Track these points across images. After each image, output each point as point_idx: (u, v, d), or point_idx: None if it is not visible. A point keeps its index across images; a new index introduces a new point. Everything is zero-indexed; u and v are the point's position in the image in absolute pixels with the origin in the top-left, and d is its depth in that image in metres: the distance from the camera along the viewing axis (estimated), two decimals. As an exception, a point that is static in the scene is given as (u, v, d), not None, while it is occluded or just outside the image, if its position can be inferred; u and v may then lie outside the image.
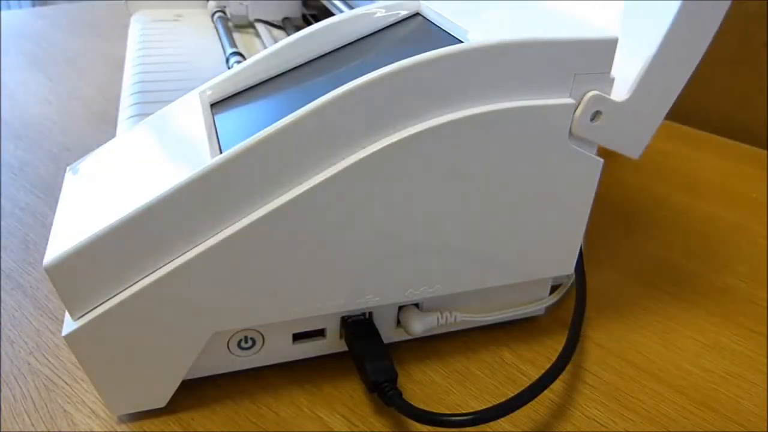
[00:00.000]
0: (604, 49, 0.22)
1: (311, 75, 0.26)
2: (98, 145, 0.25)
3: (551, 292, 0.29)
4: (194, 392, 0.25)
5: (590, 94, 0.23)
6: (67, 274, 0.20)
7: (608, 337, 0.29)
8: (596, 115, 0.23)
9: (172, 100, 0.27)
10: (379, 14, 0.28)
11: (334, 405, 0.25)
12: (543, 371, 0.25)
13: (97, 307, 0.21)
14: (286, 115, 0.20)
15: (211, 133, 0.23)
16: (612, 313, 0.31)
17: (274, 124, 0.20)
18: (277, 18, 0.47)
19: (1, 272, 0.32)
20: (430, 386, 0.26)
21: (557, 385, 0.26)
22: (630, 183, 0.43)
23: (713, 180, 0.44)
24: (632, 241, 0.37)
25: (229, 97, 0.26)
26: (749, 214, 0.40)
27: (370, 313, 0.26)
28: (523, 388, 0.24)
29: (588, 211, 0.26)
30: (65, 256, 0.20)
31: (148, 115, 0.29)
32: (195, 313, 0.22)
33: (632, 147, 0.25)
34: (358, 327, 0.26)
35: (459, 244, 0.24)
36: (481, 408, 0.23)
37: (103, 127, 0.47)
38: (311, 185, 0.21)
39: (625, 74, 0.24)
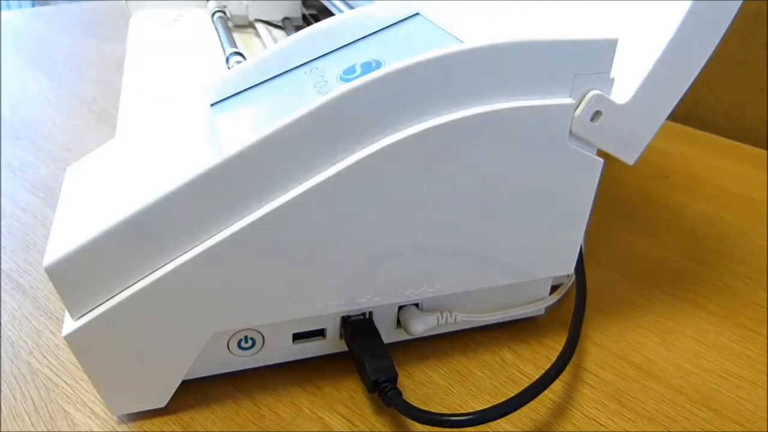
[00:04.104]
0: (604, 50, 0.22)
1: (311, 75, 0.26)
2: (98, 145, 0.25)
3: (551, 292, 0.29)
4: (194, 392, 0.25)
5: (591, 93, 0.23)
6: (67, 275, 0.20)
7: (608, 337, 0.29)
8: (596, 115, 0.23)
9: (172, 101, 0.27)
10: (379, 14, 0.28)
11: (334, 405, 0.25)
12: (543, 371, 0.25)
13: (97, 307, 0.21)
14: (285, 115, 0.20)
15: (211, 133, 0.23)
16: (612, 313, 0.31)
17: (274, 125, 0.20)
18: (277, 18, 0.47)
19: (1, 272, 0.32)
20: (430, 386, 0.26)
21: (557, 385, 0.26)
22: (630, 183, 0.43)
23: (713, 180, 0.44)
24: (632, 241, 0.37)
25: (229, 98, 0.26)
26: (749, 214, 0.40)
27: (370, 313, 0.26)
28: (523, 388, 0.24)
29: (588, 211, 0.26)
30: (65, 257, 0.20)
31: (148, 115, 0.29)
32: (195, 313, 0.22)
33: (629, 151, 0.25)
34: (358, 327, 0.26)
35: (459, 244, 0.24)
36: (481, 408, 0.23)
37: (103, 127, 0.47)
38: (311, 185, 0.21)
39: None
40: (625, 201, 0.41)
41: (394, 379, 0.24)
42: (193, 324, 0.22)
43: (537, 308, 0.29)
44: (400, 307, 0.27)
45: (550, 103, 0.23)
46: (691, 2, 0.23)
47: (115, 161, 0.24)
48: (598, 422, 0.25)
